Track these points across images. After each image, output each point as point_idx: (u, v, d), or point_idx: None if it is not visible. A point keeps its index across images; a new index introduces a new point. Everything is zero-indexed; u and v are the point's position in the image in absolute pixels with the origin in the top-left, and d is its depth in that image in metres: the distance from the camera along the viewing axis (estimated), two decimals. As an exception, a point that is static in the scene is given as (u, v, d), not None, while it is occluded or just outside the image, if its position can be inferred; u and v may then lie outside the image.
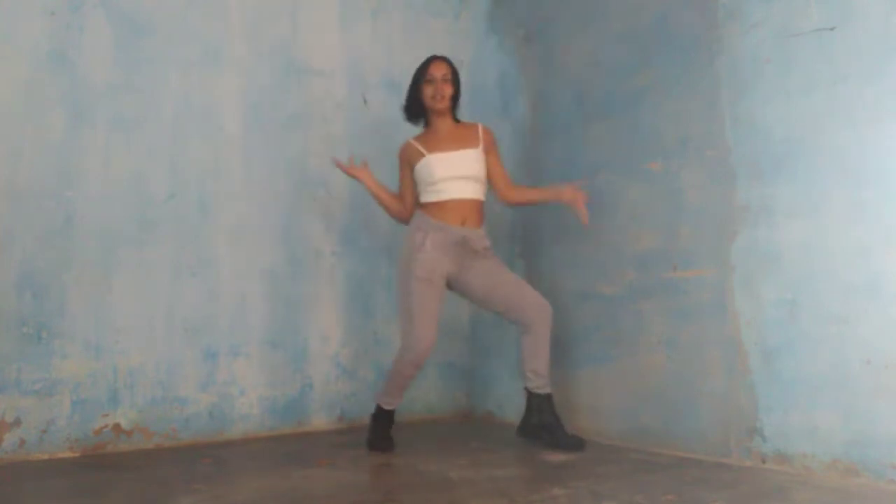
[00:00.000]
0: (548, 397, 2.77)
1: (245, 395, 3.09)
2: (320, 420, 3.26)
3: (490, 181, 2.97)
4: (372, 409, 2.91)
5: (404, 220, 2.98)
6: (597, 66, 3.12)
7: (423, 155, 2.86)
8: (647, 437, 2.77)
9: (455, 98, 2.96)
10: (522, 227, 3.39)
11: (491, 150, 2.96)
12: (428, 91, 2.90)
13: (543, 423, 2.74)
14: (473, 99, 3.72)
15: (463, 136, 2.92)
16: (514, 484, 2.22)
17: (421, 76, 2.93)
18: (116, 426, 2.80)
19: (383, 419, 2.85)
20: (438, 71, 2.91)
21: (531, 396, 2.78)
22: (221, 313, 3.07)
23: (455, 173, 2.81)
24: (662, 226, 2.79)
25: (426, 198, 2.86)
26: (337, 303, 3.38)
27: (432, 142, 2.91)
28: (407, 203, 2.97)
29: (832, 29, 2.33)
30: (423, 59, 3.05)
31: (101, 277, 2.83)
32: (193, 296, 3.01)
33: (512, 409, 3.36)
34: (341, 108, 3.49)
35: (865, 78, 2.25)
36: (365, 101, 3.55)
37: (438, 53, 3.04)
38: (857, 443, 2.19)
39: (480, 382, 3.61)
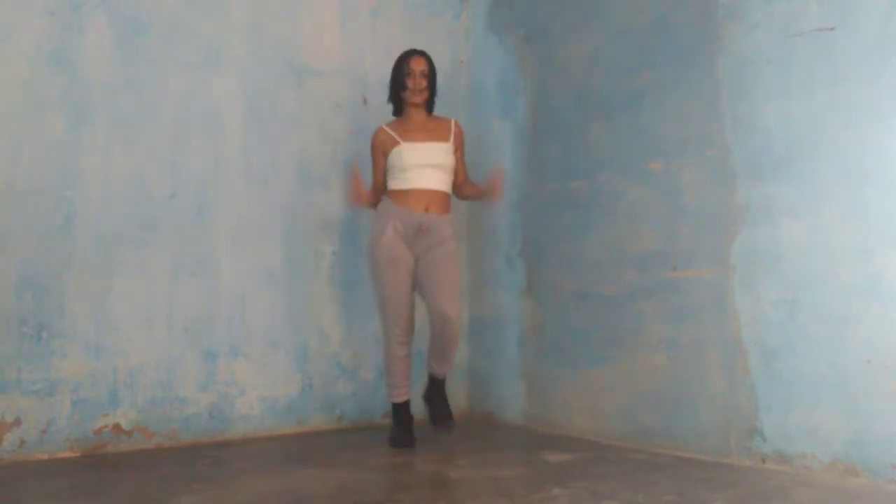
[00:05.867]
0: (436, 379, 2.98)
1: (245, 395, 3.09)
2: (320, 420, 3.26)
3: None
4: (372, 410, 2.92)
5: (374, 205, 3.04)
6: (597, 66, 3.12)
7: (397, 143, 2.95)
8: (647, 437, 2.77)
9: (431, 93, 3.02)
10: (522, 227, 3.39)
11: (459, 146, 3.05)
12: (408, 84, 2.97)
13: (429, 397, 2.99)
14: (473, 99, 3.72)
15: (435, 129, 3.00)
16: (514, 484, 2.22)
17: (400, 68, 3.00)
18: (116, 426, 2.80)
19: (395, 413, 2.94)
20: (417, 66, 2.97)
21: (428, 376, 3.02)
22: (221, 313, 3.06)
23: (424, 162, 2.90)
24: (662, 226, 2.79)
25: (394, 185, 2.95)
26: (337, 303, 3.37)
27: (406, 131, 2.99)
28: (380, 189, 3.04)
29: (832, 29, 2.33)
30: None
31: (101, 277, 2.83)
32: (193, 296, 3.01)
33: (512, 409, 3.36)
34: (341, 108, 3.49)
35: (865, 78, 2.25)
36: (365, 101, 3.55)
37: (431, 52, 3.08)
38: (857, 443, 2.19)
39: (480, 382, 3.61)
